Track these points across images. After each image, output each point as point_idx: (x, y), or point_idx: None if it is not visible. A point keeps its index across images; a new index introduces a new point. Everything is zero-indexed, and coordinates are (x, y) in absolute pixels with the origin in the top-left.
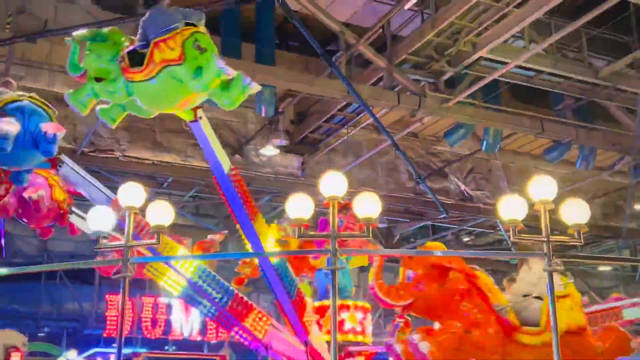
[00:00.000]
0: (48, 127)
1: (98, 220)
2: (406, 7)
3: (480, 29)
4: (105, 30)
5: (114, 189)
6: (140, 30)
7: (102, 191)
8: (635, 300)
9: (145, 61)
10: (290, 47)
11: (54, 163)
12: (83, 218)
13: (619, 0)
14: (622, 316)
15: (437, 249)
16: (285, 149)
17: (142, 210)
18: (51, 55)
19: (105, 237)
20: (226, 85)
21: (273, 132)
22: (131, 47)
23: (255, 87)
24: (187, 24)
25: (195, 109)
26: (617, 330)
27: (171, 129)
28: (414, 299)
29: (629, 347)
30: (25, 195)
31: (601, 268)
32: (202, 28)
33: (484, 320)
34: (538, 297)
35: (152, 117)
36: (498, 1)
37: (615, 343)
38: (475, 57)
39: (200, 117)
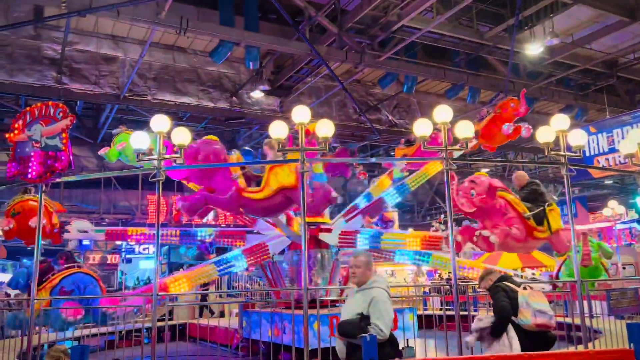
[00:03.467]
0: None
1: (138, 141)
2: None
3: (403, 4)
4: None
5: (147, 122)
6: None
7: None
8: None
9: None
10: (269, 18)
11: None
12: None
13: None
14: None
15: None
16: (267, 92)
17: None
18: (97, 26)
19: (144, 153)
20: None
21: (259, 80)
22: None
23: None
24: None
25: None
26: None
27: (187, 79)
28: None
29: None
30: None
31: (483, 170)
32: None
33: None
34: None
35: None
36: None
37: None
38: (399, 25)
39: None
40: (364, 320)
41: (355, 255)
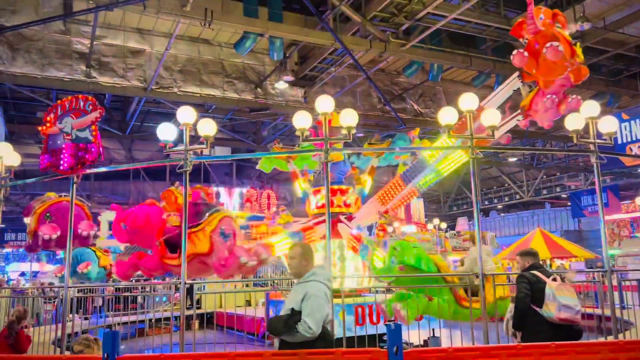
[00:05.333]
0: None
1: (165, 132)
2: None
3: None
4: None
5: (173, 115)
6: None
7: None
8: None
9: None
10: (293, 8)
11: None
12: None
13: None
14: None
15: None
16: (292, 83)
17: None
18: (124, 20)
19: (172, 144)
20: None
21: (283, 71)
22: None
23: None
24: None
25: None
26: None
27: (212, 71)
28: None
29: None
30: None
31: (510, 159)
32: None
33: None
34: None
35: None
36: None
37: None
38: (424, 12)
39: None
40: (294, 316)
41: (291, 246)
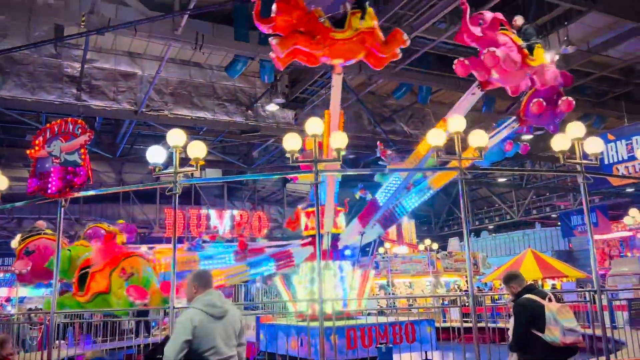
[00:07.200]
0: None
1: (154, 155)
2: None
3: (416, 15)
4: None
5: (164, 137)
6: None
7: None
8: None
9: None
10: None
11: None
12: None
13: None
14: None
15: None
16: (282, 105)
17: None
18: (115, 43)
19: (161, 167)
20: None
21: (274, 93)
22: None
23: None
24: None
25: None
26: None
27: (203, 94)
28: None
29: None
30: None
31: (500, 179)
32: None
33: None
34: None
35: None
36: None
37: None
38: (412, 35)
39: None
40: (162, 344)
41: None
